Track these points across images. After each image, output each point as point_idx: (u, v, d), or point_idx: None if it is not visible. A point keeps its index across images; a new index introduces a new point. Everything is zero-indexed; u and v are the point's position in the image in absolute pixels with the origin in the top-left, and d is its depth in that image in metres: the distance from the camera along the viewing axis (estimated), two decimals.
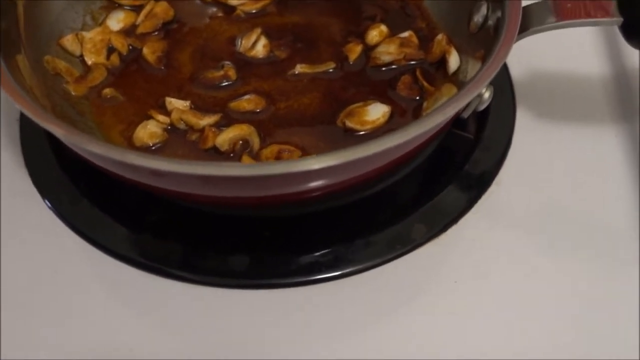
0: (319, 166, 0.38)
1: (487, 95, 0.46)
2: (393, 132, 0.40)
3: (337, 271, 0.47)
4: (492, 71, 0.43)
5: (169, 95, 0.53)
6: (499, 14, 0.48)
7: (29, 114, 0.41)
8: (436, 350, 0.44)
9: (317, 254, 0.47)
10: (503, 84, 0.57)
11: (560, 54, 0.59)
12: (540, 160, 0.53)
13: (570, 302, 0.46)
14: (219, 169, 0.36)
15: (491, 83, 0.45)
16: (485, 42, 0.48)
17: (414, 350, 0.44)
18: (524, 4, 0.48)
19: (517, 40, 0.46)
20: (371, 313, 0.46)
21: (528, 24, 0.47)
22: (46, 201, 0.51)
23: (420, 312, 0.46)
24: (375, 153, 0.39)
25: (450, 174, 0.52)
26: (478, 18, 0.51)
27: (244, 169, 0.37)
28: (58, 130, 0.40)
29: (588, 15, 0.46)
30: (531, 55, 0.58)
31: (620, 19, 0.45)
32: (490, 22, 0.50)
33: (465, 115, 0.47)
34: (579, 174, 0.53)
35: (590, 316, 0.46)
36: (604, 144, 0.54)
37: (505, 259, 0.48)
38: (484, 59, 0.46)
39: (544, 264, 0.48)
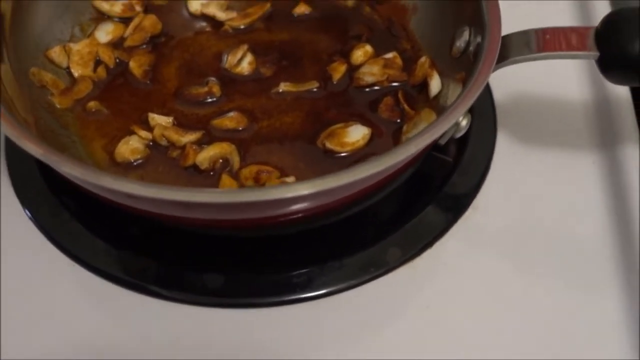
0: (291, 195, 0.38)
1: (464, 123, 0.46)
2: (367, 161, 0.40)
3: (310, 292, 0.47)
4: (468, 101, 0.44)
5: (152, 111, 0.53)
6: (479, 40, 0.48)
7: (10, 133, 0.42)
8: None
9: (292, 274, 0.48)
10: (485, 107, 0.58)
11: (544, 80, 0.59)
12: (518, 185, 0.54)
13: (546, 327, 0.47)
14: (189, 195, 0.37)
15: (470, 110, 0.45)
16: (466, 68, 0.48)
17: None
18: (505, 32, 0.48)
19: (496, 69, 0.47)
20: (343, 335, 0.46)
21: (507, 53, 0.47)
22: (27, 212, 0.52)
23: (391, 336, 0.46)
24: (347, 183, 0.39)
25: (427, 198, 0.52)
26: (460, 43, 0.52)
27: (212, 195, 0.37)
28: (37, 151, 0.40)
29: (566, 48, 0.46)
30: (515, 80, 0.58)
31: (597, 54, 0.46)
32: (472, 48, 0.50)
33: (442, 142, 0.47)
34: (556, 200, 0.53)
35: (569, 342, 0.46)
36: (582, 171, 0.54)
37: (479, 284, 0.49)
38: (464, 85, 0.47)
39: (518, 289, 0.48)
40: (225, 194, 0.38)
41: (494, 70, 0.46)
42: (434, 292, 0.48)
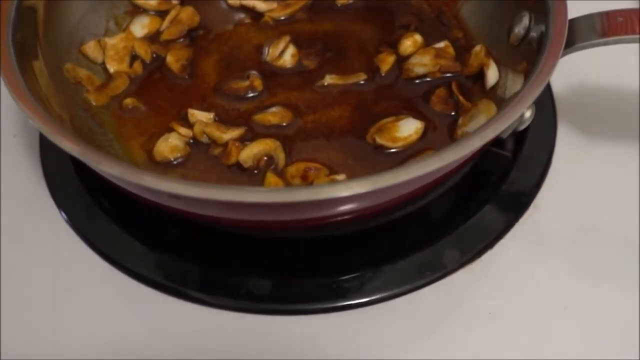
0: (346, 194, 0.35)
1: (528, 114, 0.43)
2: (427, 157, 0.37)
3: (363, 298, 0.44)
4: (534, 90, 0.40)
5: (192, 106, 0.51)
6: (542, 27, 0.45)
7: (44, 130, 0.39)
8: None
9: (343, 278, 0.45)
10: (544, 100, 0.54)
11: (606, 68, 0.56)
12: (582, 181, 0.50)
13: (616, 336, 0.43)
14: (238, 195, 0.34)
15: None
16: (527, 56, 0.45)
17: None
18: (570, 16, 0.44)
19: (562, 56, 0.43)
20: (397, 343, 0.43)
21: (574, 39, 0.44)
22: (62, 214, 0.49)
23: (450, 345, 0.43)
24: (408, 179, 0.36)
25: (485, 196, 0.49)
26: (519, 30, 0.48)
27: (265, 195, 0.34)
28: (73, 149, 0.38)
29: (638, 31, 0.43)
30: (575, 70, 0.55)
31: None
32: (533, 34, 0.47)
33: (505, 135, 0.44)
34: (623, 197, 0.49)
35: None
36: None
37: (543, 289, 0.45)
38: (526, 74, 0.43)
39: (586, 294, 0.45)
40: (278, 193, 0.35)
41: (560, 57, 0.43)
42: (496, 297, 0.45)
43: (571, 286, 0.45)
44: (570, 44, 0.44)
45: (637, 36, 0.43)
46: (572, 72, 0.55)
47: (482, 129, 0.38)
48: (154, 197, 0.39)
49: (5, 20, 0.46)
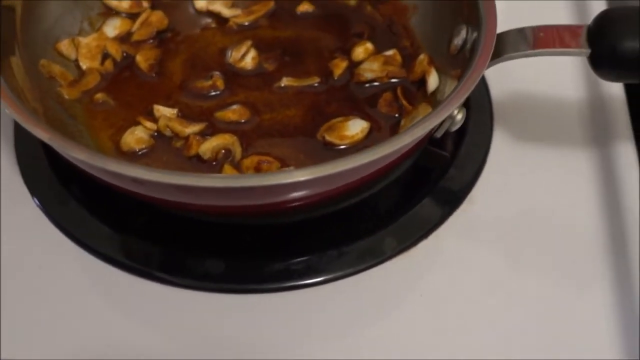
0: (290, 180, 0.40)
1: (459, 117, 0.47)
2: (364, 151, 0.41)
3: (308, 279, 0.49)
4: (462, 94, 0.45)
5: (158, 103, 0.54)
6: (476, 37, 0.50)
7: (18, 118, 0.43)
8: None
9: (291, 262, 0.49)
10: (483, 103, 0.59)
11: (541, 76, 0.60)
12: (514, 180, 0.55)
13: (538, 319, 0.48)
14: (190, 180, 0.39)
15: (467, 104, 0.46)
16: (463, 64, 0.50)
17: None
18: (500, 30, 0.49)
19: (491, 65, 0.48)
20: (341, 321, 0.48)
21: (502, 50, 0.49)
22: (35, 200, 0.53)
23: (387, 323, 0.48)
24: (344, 170, 0.41)
25: (425, 190, 0.53)
26: (458, 41, 0.53)
27: (214, 180, 0.39)
28: (44, 135, 0.42)
29: (559, 45, 0.48)
30: (512, 78, 0.60)
31: (588, 51, 0.47)
32: (469, 46, 0.51)
33: (438, 135, 0.49)
34: (550, 195, 0.54)
35: (561, 335, 0.47)
36: (576, 166, 0.55)
37: (473, 275, 0.50)
38: (459, 80, 0.48)
39: (512, 281, 0.49)
40: (227, 179, 0.40)
41: (489, 66, 0.48)
42: (429, 281, 0.50)
43: (499, 273, 0.50)
44: (499, 55, 0.48)
45: (556, 50, 0.48)
46: (509, 79, 0.60)
47: (412, 128, 0.43)
48: (118, 181, 0.43)
49: None
